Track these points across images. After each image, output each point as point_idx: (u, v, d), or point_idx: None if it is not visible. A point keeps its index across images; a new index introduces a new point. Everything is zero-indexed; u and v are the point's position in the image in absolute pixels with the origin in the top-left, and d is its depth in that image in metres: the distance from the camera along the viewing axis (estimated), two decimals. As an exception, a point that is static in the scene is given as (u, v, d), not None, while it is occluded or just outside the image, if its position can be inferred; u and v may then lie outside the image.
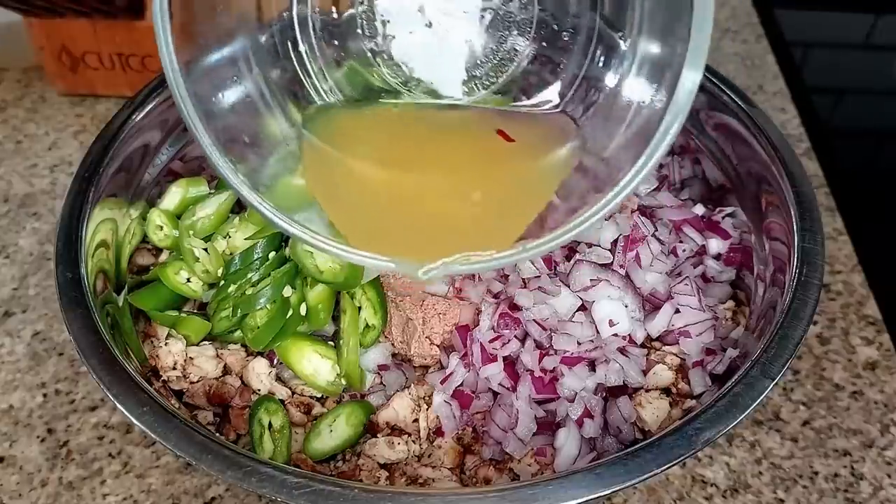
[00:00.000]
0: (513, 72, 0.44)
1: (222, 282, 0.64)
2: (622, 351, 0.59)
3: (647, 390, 0.59)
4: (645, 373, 0.59)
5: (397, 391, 0.61)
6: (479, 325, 0.60)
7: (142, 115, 0.69)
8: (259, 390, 0.62)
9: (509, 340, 0.58)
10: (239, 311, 0.61)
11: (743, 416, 0.49)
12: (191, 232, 0.66)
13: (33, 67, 1.06)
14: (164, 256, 0.70)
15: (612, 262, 0.61)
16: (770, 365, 0.52)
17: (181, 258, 0.66)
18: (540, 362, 0.58)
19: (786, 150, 0.64)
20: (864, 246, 0.84)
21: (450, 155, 0.42)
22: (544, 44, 0.43)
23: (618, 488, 0.46)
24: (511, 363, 0.59)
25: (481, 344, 0.58)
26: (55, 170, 0.93)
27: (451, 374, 0.59)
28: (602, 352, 0.59)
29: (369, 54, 0.45)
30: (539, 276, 0.59)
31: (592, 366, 0.59)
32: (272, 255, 0.64)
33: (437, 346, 0.61)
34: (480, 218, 0.41)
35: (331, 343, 0.63)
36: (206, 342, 0.64)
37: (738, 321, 0.65)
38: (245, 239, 0.64)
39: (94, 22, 0.92)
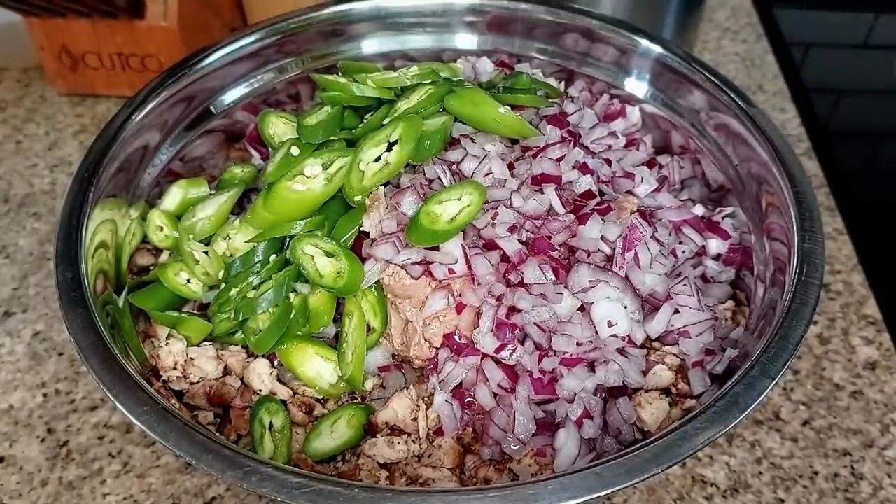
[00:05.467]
0: None
1: (223, 284, 0.64)
2: (621, 352, 0.59)
3: (647, 391, 0.59)
4: (644, 373, 0.59)
5: (396, 391, 0.61)
6: (479, 326, 0.60)
7: (142, 115, 0.69)
8: (260, 391, 0.62)
9: (515, 349, 0.58)
10: (241, 314, 0.61)
11: (743, 416, 0.49)
12: (190, 235, 0.66)
13: (33, 67, 1.06)
14: (164, 257, 0.70)
15: (612, 264, 0.61)
16: (770, 365, 0.52)
17: (181, 259, 0.66)
18: (539, 363, 0.58)
19: (786, 151, 0.65)
20: (864, 246, 0.84)
21: None
22: None
23: (618, 488, 0.46)
24: (510, 364, 0.59)
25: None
26: (55, 170, 0.93)
27: (441, 367, 0.59)
28: (601, 353, 0.58)
29: None
30: (545, 284, 0.59)
31: (592, 367, 0.59)
32: (273, 258, 0.64)
33: (437, 348, 0.61)
34: None
35: (333, 345, 0.64)
36: (207, 343, 0.64)
37: (738, 321, 0.65)
38: (246, 242, 0.65)
39: (95, 22, 0.93)
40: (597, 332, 0.59)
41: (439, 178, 0.63)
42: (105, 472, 0.65)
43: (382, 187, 0.64)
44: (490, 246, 0.61)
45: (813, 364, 0.74)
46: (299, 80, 0.80)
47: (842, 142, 1.01)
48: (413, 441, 0.59)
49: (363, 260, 0.62)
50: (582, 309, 0.60)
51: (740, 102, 0.69)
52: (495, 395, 0.59)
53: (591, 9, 0.79)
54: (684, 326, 0.61)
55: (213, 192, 0.71)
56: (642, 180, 0.69)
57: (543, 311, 0.58)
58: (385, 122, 0.66)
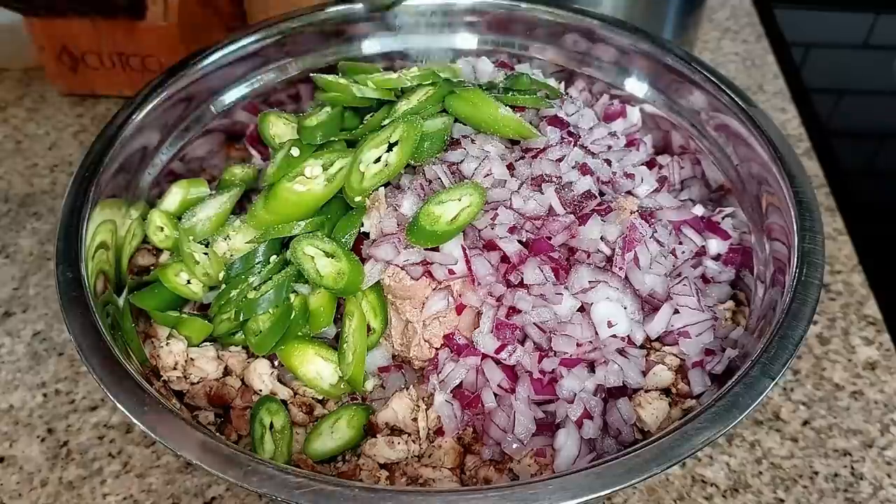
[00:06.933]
0: None
1: (223, 285, 0.64)
2: (621, 352, 0.59)
3: (647, 391, 0.59)
4: (644, 373, 0.59)
5: (396, 392, 0.61)
6: (479, 327, 0.60)
7: (142, 115, 0.69)
8: (261, 391, 0.62)
9: (515, 349, 0.58)
10: (241, 315, 0.61)
11: (743, 416, 0.49)
12: (191, 237, 0.66)
13: (33, 67, 1.06)
14: (164, 257, 0.70)
15: (612, 264, 0.61)
16: (770, 365, 0.52)
17: (182, 259, 0.66)
18: (539, 364, 0.58)
19: (786, 151, 0.65)
20: (864, 246, 0.84)
21: None
22: None
23: (618, 488, 0.47)
24: (510, 364, 0.59)
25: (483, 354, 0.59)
26: (55, 170, 0.93)
27: (441, 366, 0.59)
28: (601, 353, 0.58)
29: None
30: (545, 284, 0.59)
31: (592, 367, 0.59)
32: (273, 258, 0.64)
33: (437, 348, 0.61)
34: None
35: (333, 346, 0.64)
36: (207, 343, 0.64)
37: (738, 321, 0.65)
38: (246, 242, 0.65)
39: (95, 22, 0.93)
40: (597, 333, 0.59)
41: (439, 179, 0.63)
42: (105, 472, 0.66)
43: (382, 188, 0.64)
44: (490, 246, 0.61)
45: (813, 364, 0.74)
46: (299, 80, 0.80)
47: (842, 142, 1.01)
48: (413, 441, 0.59)
49: (363, 261, 0.62)
50: (582, 309, 0.60)
51: (740, 102, 0.69)
52: (495, 395, 0.59)
53: (591, 9, 0.79)
54: (684, 326, 0.61)
55: (213, 192, 0.70)
56: (642, 181, 0.69)
57: (543, 312, 0.58)
58: (385, 123, 0.66)
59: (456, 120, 0.68)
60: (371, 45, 0.82)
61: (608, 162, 0.69)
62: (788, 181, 0.62)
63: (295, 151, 0.65)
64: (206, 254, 0.65)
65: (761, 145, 0.66)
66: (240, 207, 0.71)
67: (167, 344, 0.62)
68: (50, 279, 0.81)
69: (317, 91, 0.74)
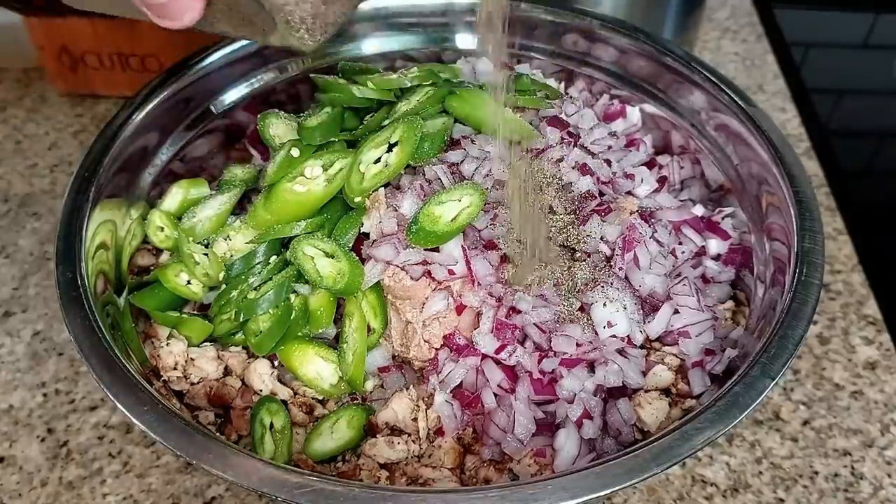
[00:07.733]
0: None
1: (223, 285, 0.64)
2: (621, 352, 0.59)
3: (647, 391, 0.59)
4: (644, 374, 0.59)
5: (396, 392, 0.61)
6: (479, 327, 0.60)
7: (142, 115, 0.69)
8: (261, 391, 0.62)
9: (515, 350, 0.58)
10: (241, 315, 0.61)
11: (743, 416, 0.49)
12: (190, 238, 0.66)
13: (33, 67, 1.06)
14: (164, 257, 0.70)
15: (611, 264, 0.61)
16: (770, 365, 0.52)
17: (181, 260, 0.66)
18: (539, 364, 0.58)
19: (786, 151, 0.65)
20: (864, 246, 0.84)
21: None
22: None
23: (618, 488, 0.46)
24: (510, 365, 0.59)
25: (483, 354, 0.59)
26: (55, 170, 0.93)
27: (441, 366, 0.59)
28: (601, 353, 0.59)
29: None
30: (545, 284, 0.59)
31: (591, 367, 0.59)
32: (273, 259, 0.64)
33: (437, 348, 0.61)
34: None
35: (333, 346, 0.64)
36: (208, 343, 0.64)
37: (738, 321, 0.65)
38: (246, 243, 0.65)
39: (94, 22, 0.93)
40: (596, 333, 0.59)
41: (439, 180, 0.63)
42: (105, 472, 0.66)
43: (382, 188, 0.64)
44: (490, 246, 0.61)
45: (813, 364, 0.74)
46: (299, 80, 0.80)
47: (842, 142, 1.01)
48: (413, 441, 0.59)
49: (363, 261, 0.62)
50: (582, 309, 0.60)
51: (740, 102, 0.69)
52: (495, 395, 0.59)
53: (591, 9, 0.79)
54: (684, 326, 0.61)
55: (213, 192, 0.70)
56: (642, 181, 0.69)
57: (543, 312, 0.58)
58: (385, 123, 0.66)
59: (456, 120, 0.68)
60: (371, 45, 0.82)
61: (608, 162, 0.69)
62: (788, 181, 0.62)
63: (295, 152, 0.65)
64: (205, 254, 0.65)
65: (761, 145, 0.66)
66: (240, 207, 0.71)
67: (167, 344, 0.62)
68: (50, 279, 0.81)
69: (317, 91, 0.74)
